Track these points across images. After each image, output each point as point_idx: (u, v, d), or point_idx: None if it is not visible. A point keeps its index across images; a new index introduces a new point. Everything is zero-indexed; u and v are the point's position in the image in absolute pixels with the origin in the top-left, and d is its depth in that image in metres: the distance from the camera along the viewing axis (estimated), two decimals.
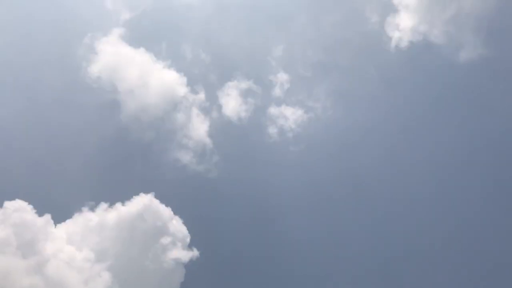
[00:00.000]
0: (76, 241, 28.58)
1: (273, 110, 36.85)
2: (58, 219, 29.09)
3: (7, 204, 27.78)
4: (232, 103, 36.81)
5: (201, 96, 37.19)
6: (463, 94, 35.76)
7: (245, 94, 37.13)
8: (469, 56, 34.92)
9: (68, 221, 29.37)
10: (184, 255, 29.08)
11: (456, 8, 35.55)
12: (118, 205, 29.94)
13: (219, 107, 36.92)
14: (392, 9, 37.44)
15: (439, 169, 33.28)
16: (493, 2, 34.50)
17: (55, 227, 28.80)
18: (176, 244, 29.13)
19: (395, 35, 37.10)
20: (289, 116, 36.31)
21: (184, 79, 37.08)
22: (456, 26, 35.54)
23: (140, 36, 38.46)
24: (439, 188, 32.62)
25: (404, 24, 36.83)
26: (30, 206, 28.11)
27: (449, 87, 36.22)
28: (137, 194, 30.11)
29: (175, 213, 30.38)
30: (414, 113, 36.07)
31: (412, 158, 33.88)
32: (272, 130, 36.02)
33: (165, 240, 28.90)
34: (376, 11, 38.37)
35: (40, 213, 28.25)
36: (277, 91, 37.53)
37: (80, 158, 34.15)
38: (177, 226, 29.90)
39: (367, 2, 38.79)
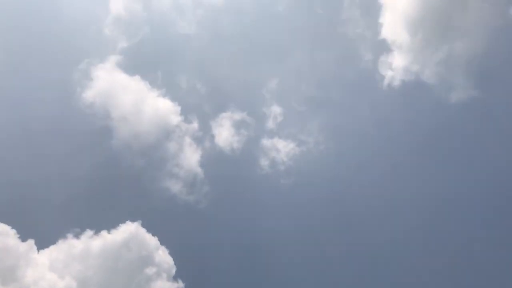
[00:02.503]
0: (59, 269, 27.85)
1: (265, 142, 36.96)
2: (42, 245, 28.49)
3: None
4: (225, 133, 36.90)
5: (194, 125, 37.27)
6: (453, 133, 36.19)
7: (238, 125, 37.30)
8: (459, 97, 35.50)
9: (51, 247, 28.75)
10: (169, 286, 28.41)
11: (447, 50, 36.39)
12: (104, 232, 29.40)
13: (212, 137, 36.99)
14: (386, 49, 38.25)
15: (429, 207, 33.24)
16: (483, 45, 35.34)
17: (38, 253, 28.16)
18: (161, 275, 28.50)
19: (388, 73, 37.73)
20: (281, 148, 36.41)
21: (178, 108, 37.23)
22: (447, 67, 36.25)
23: (136, 64, 38.78)
24: (429, 225, 32.50)
25: (397, 64, 37.55)
26: (14, 231, 27.51)
27: (439, 126, 36.62)
28: (123, 222, 29.67)
29: (161, 243, 29.89)
30: (405, 150, 36.33)
31: (402, 195, 33.90)
32: (264, 162, 36.02)
33: (150, 270, 28.27)
34: (370, 50, 39.18)
35: (24, 238, 27.68)
36: (270, 124, 37.74)
37: (68, 183, 33.71)
38: (163, 256, 29.35)
39: (362, 41, 39.64)
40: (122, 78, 37.51)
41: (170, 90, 38.16)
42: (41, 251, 28.39)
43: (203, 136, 37.01)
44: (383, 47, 38.44)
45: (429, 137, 36.34)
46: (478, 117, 35.79)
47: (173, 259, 29.55)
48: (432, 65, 36.77)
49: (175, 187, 34.12)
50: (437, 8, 36.65)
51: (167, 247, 29.99)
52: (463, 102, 35.44)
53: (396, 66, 37.42)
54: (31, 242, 27.83)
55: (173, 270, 29.20)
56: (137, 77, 37.72)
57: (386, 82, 37.63)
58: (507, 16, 35.15)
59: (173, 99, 37.65)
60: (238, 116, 37.61)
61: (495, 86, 35.87)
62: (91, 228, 29.54)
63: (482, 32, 35.53)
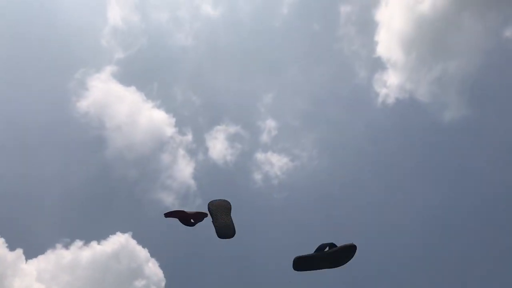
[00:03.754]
0: (46, 279, 27.44)
1: (259, 156, 36.86)
2: (30, 254, 28.11)
3: None
4: (219, 146, 36.78)
5: (189, 137, 37.13)
6: (446, 152, 36.32)
7: (233, 138, 37.20)
8: (452, 115, 35.78)
9: (40, 257, 28.38)
10: None
11: (441, 69, 36.77)
12: (94, 243, 29.12)
13: (206, 149, 36.83)
14: (381, 66, 38.55)
15: (422, 226, 33.22)
16: (476, 65, 35.77)
17: (26, 262, 27.77)
18: (150, 287, 28.22)
19: (383, 91, 37.98)
20: (274, 163, 36.31)
21: (173, 120, 37.09)
22: (441, 86, 36.61)
23: (132, 75, 38.79)
24: (421, 243, 32.42)
25: (392, 82, 37.80)
26: (2, 239, 27.14)
27: (432, 145, 36.82)
28: (114, 233, 29.40)
29: (151, 255, 29.59)
30: (398, 168, 36.43)
31: (394, 213, 33.84)
32: (257, 176, 35.89)
33: (139, 283, 27.95)
34: (365, 67, 39.47)
35: (12, 247, 27.29)
36: (264, 138, 37.71)
37: (59, 192, 33.41)
38: (153, 269, 29.03)
39: (357, 58, 39.97)
40: (117, 88, 37.45)
41: (165, 102, 38.10)
42: (29, 261, 28.01)
43: (197, 149, 36.88)
44: (378, 65, 38.77)
45: (422, 155, 36.52)
46: (471, 136, 36.10)
47: (163, 272, 29.26)
48: (426, 83, 37.12)
49: (168, 199, 33.90)
50: (432, 28, 37.11)
51: (158, 259, 29.70)
52: (456, 121, 35.72)
53: (391, 84, 37.70)
54: (19, 251, 27.45)
55: (163, 283, 28.89)
56: (133, 88, 37.67)
57: (380, 99, 37.87)
58: (501, 37, 35.63)
59: (168, 110, 37.59)
60: (232, 129, 37.58)
61: (488, 106, 36.21)
62: (80, 239, 29.23)
63: (476, 53, 35.98)
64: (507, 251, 30.55)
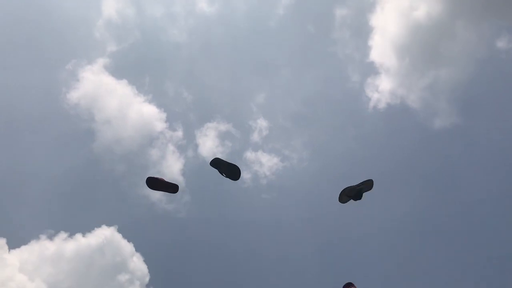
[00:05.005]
0: (29, 270, 27.16)
1: (249, 155, 36.85)
2: (13, 244, 27.76)
3: None
4: (209, 143, 36.69)
5: (179, 133, 36.99)
6: (434, 159, 36.59)
7: (223, 136, 37.15)
8: (442, 123, 36.07)
9: (23, 247, 28.06)
10: None
11: (433, 77, 37.10)
12: (79, 235, 28.86)
13: (196, 146, 36.72)
14: (374, 71, 38.81)
15: (408, 228, 33.43)
16: (469, 74, 36.15)
17: (9, 252, 27.43)
18: (134, 282, 27.97)
19: (374, 96, 38.20)
20: (264, 162, 36.33)
21: (164, 115, 36.95)
22: (432, 93, 36.91)
23: (124, 68, 38.61)
24: (407, 244, 32.62)
25: (384, 87, 38.06)
26: None
27: (421, 151, 37.07)
28: (99, 226, 29.16)
29: (137, 250, 29.42)
30: (386, 173, 36.53)
31: (382, 216, 34.00)
32: (246, 175, 35.83)
33: (123, 277, 27.75)
34: (358, 71, 39.70)
35: None
36: (255, 137, 37.70)
37: (45, 183, 33.06)
38: (138, 263, 28.85)
39: (350, 62, 40.17)
40: (109, 81, 37.24)
41: (157, 97, 37.96)
42: (12, 251, 27.71)
43: (187, 145, 36.75)
44: (371, 70, 39.07)
45: (410, 161, 36.75)
46: (459, 144, 36.37)
47: (148, 267, 29.09)
48: (418, 90, 37.44)
49: (155, 194, 33.61)
50: (426, 35, 37.49)
51: (142, 254, 29.51)
52: (446, 129, 36.04)
53: (383, 89, 37.95)
54: (2, 241, 27.14)
55: (147, 278, 28.73)
56: (124, 81, 37.48)
57: (371, 104, 38.10)
58: (493, 47, 36.09)
59: (159, 105, 37.39)
60: (223, 127, 37.50)
61: (479, 115, 36.59)
62: (65, 230, 28.97)
63: (468, 62, 36.41)
64: (493, 252, 30.99)
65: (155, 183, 16.68)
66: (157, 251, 31.32)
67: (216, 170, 17.28)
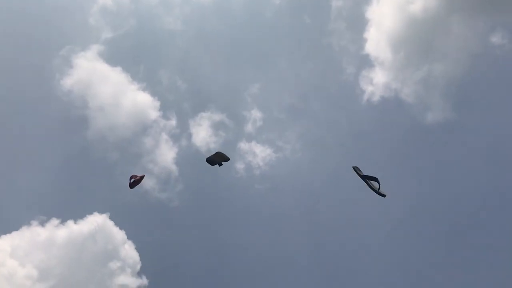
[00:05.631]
0: (20, 256, 27.13)
1: (243, 145, 36.87)
2: (4, 230, 27.72)
3: None
4: (202, 133, 36.68)
5: (172, 122, 36.94)
6: (427, 152, 36.79)
7: (217, 126, 37.12)
8: (435, 117, 36.20)
9: (14, 233, 28.01)
10: (132, 282, 27.99)
11: (427, 71, 37.16)
12: (70, 222, 28.83)
13: (189, 135, 36.69)
14: (368, 64, 38.83)
15: (398, 220, 33.65)
16: (462, 69, 36.28)
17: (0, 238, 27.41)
18: (125, 270, 28.06)
19: (369, 89, 38.23)
20: (258, 153, 36.38)
21: (158, 104, 36.88)
22: (426, 87, 37.01)
23: (118, 55, 38.41)
24: (398, 236, 32.87)
25: (378, 80, 38.12)
26: None
27: (414, 144, 37.23)
28: (91, 213, 29.14)
29: (128, 238, 29.47)
30: (378, 164, 36.66)
31: (372, 208, 34.21)
32: (240, 166, 35.89)
33: (114, 264, 27.83)
34: (353, 64, 39.68)
35: None
36: (249, 127, 37.70)
37: (38, 169, 32.99)
38: (129, 251, 28.92)
39: (345, 54, 40.17)
40: (103, 68, 37.09)
41: (151, 85, 37.88)
42: (3, 237, 27.67)
43: (180, 134, 36.73)
44: (366, 62, 39.10)
45: (402, 154, 36.98)
46: (453, 138, 36.56)
47: (139, 255, 29.17)
48: (412, 84, 37.53)
49: (148, 183, 33.66)
50: (421, 29, 37.56)
51: (134, 242, 29.57)
52: (438, 123, 36.20)
53: (377, 82, 38.02)
54: None
55: (138, 266, 28.83)
56: (119, 69, 37.33)
57: (365, 97, 38.17)
58: (487, 44, 36.24)
59: (153, 94, 37.36)
60: (217, 117, 37.46)
61: (472, 110, 36.78)
62: (57, 217, 28.93)
63: (462, 56, 36.54)
64: (488, 245, 31.36)
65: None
66: (149, 239, 31.39)
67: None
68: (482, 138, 35.65)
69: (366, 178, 16.77)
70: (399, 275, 31.12)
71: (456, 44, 37.02)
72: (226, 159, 20.29)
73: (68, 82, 35.57)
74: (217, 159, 20.01)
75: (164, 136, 36.04)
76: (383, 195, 16.37)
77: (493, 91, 36.96)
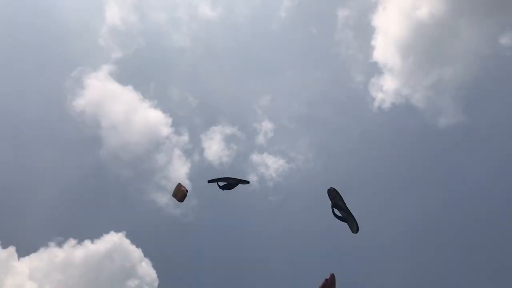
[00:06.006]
0: (39, 278, 27.36)
1: (255, 157, 36.89)
2: (23, 252, 28.00)
3: None
4: (215, 147, 36.79)
5: (185, 138, 37.13)
6: (440, 158, 36.51)
7: (229, 139, 37.22)
8: (448, 122, 35.94)
9: (32, 255, 28.28)
10: None
11: (438, 75, 36.97)
12: (87, 242, 29.05)
13: (201, 150, 36.82)
14: (377, 71, 38.71)
15: (412, 229, 33.34)
16: (473, 72, 36.00)
17: (18, 260, 27.67)
18: (143, 287, 28.16)
19: (379, 96, 38.10)
20: (270, 165, 36.34)
21: (169, 120, 37.10)
22: (437, 92, 36.80)
23: (129, 74, 38.78)
24: (411, 246, 32.52)
25: (388, 86, 37.94)
26: None
27: (427, 150, 36.99)
28: (107, 232, 29.34)
29: (145, 255, 29.57)
30: (392, 172, 36.57)
31: (388, 216, 34.00)
32: (253, 178, 35.83)
33: (132, 282, 27.92)
34: (361, 72, 39.62)
35: (4, 245, 27.21)
36: (260, 139, 37.74)
37: (53, 190, 33.31)
38: (146, 269, 29.00)
39: (354, 62, 40.14)
40: (114, 87, 37.45)
41: (162, 102, 38.14)
42: (22, 259, 27.94)
43: (193, 149, 36.88)
44: (375, 70, 38.95)
45: (416, 160, 36.71)
46: (465, 142, 36.24)
47: (156, 272, 29.23)
48: (422, 89, 37.33)
49: (162, 199, 33.82)
50: (429, 34, 37.37)
51: (151, 259, 29.66)
52: (451, 127, 35.93)
53: (387, 89, 37.84)
54: (12, 249, 27.38)
55: (156, 284, 28.87)
56: (130, 87, 37.68)
57: (376, 104, 38.01)
58: (497, 45, 35.90)
59: (165, 110, 37.55)
60: (228, 130, 37.59)
61: (484, 113, 36.43)
62: (74, 237, 29.17)
63: (472, 60, 36.26)
64: (496, 249, 30.88)
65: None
66: (166, 256, 31.48)
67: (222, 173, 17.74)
68: (496, 139, 35.29)
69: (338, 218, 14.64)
70: (418, 282, 30.81)
71: (465, 47, 36.78)
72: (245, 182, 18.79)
73: (81, 102, 36.01)
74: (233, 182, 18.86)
75: (177, 151, 36.23)
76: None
77: (505, 92, 36.61)
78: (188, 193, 15.92)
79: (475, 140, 36.24)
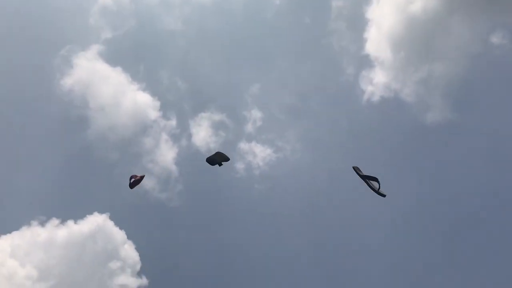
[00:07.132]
0: (20, 256, 27.16)
1: (242, 145, 36.87)
2: (4, 230, 27.76)
3: None
4: (202, 133, 36.68)
5: (173, 122, 36.96)
6: (427, 153, 36.76)
7: (217, 126, 37.12)
8: (435, 118, 36.16)
9: (14, 233, 28.04)
10: (132, 282, 28.01)
11: (428, 71, 37.14)
12: (70, 222, 28.86)
13: (189, 136, 36.70)
14: (368, 64, 38.81)
15: (398, 220, 33.67)
16: (462, 70, 36.28)
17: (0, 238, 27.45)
18: (126, 270, 28.08)
19: (369, 89, 38.21)
20: (258, 153, 36.37)
21: (158, 104, 36.89)
22: (426, 87, 36.99)
23: (118, 55, 38.43)
24: (397, 236, 32.86)
25: (378, 80, 38.10)
26: None
27: (413, 144, 37.20)
28: (91, 213, 29.15)
29: (128, 238, 29.48)
30: (378, 164, 36.66)
31: (372, 208, 34.23)
32: (240, 166, 35.89)
33: (114, 264, 27.84)
34: (353, 64, 39.67)
35: None
36: (249, 127, 37.69)
37: (38, 169, 32.99)
38: (129, 251, 28.94)
39: (345, 54, 40.16)
40: (103, 68, 37.13)
41: (151, 85, 37.90)
42: (3, 237, 27.71)
43: (180, 134, 36.74)
44: (366, 62, 39.09)
45: (402, 154, 36.96)
46: (453, 138, 36.51)
47: (139, 255, 29.18)
48: (412, 84, 37.52)
49: (148, 183, 33.68)
50: (421, 29, 37.56)
51: (134, 242, 29.59)
52: (438, 123, 36.18)
53: (377, 82, 38.01)
54: None
55: (138, 266, 28.83)
56: (119, 69, 37.36)
57: (365, 97, 38.16)
58: (487, 44, 36.21)
59: (153, 94, 37.36)
60: (217, 117, 37.47)
61: (472, 110, 36.74)
62: (57, 217, 28.95)
63: (463, 57, 36.54)
64: (488, 245, 31.34)
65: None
66: (149, 239, 31.41)
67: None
68: (482, 138, 35.66)
69: (366, 178, 16.80)
70: (399, 275, 31.17)
71: (456, 44, 37.03)
72: (226, 159, 20.76)
73: (68, 82, 35.62)
74: (217, 159, 20.49)
75: (164, 136, 36.11)
76: (383, 195, 16.44)
77: (494, 91, 36.95)
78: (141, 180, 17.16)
79: (462, 136, 36.57)
